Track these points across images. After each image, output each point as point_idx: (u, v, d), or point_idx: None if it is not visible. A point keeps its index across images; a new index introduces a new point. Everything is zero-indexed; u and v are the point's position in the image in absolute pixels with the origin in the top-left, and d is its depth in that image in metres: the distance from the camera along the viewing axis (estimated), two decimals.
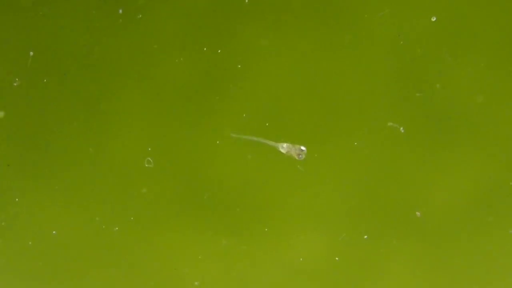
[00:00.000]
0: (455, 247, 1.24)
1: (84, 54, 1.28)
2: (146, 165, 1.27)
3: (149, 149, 1.27)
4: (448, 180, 1.24)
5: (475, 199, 1.24)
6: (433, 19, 1.23)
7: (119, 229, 1.27)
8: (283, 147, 1.19)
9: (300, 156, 1.18)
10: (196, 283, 1.28)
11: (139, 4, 1.28)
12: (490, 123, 1.24)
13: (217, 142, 1.27)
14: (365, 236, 1.25)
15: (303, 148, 1.18)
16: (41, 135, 1.28)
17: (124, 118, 1.28)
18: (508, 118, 1.24)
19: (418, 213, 1.24)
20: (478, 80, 1.24)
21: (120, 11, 1.27)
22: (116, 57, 1.28)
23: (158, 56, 1.28)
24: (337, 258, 1.26)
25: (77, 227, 1.28)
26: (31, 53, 1.28)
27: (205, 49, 1.26)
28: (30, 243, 1.28)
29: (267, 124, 1.26)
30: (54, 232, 1.28)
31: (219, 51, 1.26)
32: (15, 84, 1.28)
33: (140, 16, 1.28)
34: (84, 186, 1.28)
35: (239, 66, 1.26)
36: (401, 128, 1.23)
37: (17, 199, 1.28)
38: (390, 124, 1.23)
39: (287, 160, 1.25)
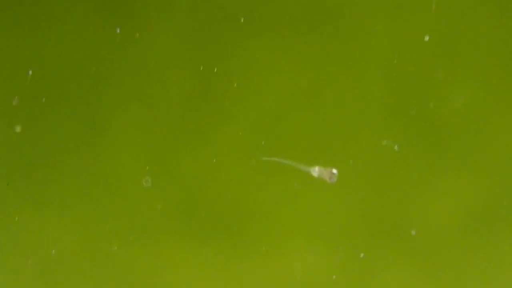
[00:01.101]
0: (451, 265, 1.26)
1: (82, 73, 1.31)
2: (144, 184, 1.30)
3: (147, 168, 1.30)
4: (443, 198, 1.26)
5: (470, 217, 1.26)
6: (426, 38, 1.24)
7: (117, 249, 1.30)
8: (315, 171, 1.20)
9: (332, 179, 1.19)
10: None
11: (137, 23, 1.30)
12: (485, 141, 1.25)
13: (214, 160, 1.29)
14: (362, 255, 1.27)
15: (334, 171, 1.19)
16: (40, 154, 1.32)
17: (122, 137, 1.31)
18: (503, 137, 1.25)
19: (413, 231, 1.26)
20: (472, 98, 1.26)
21: (118, 30, 1.30)
22: (114, 76, 1.31)
23: (155, 74, 1.31)
24: (334, 276, 1.28)
25: (76, 246, 1.30)
26: (30, 72, 1.31)
27: (201, 67, 1.29)
28: (29, 261, 1.31)
29: (263, 143, 1.28)
30: (53, 251, 1.31)
31: (215, 69, 1.29)
32: (14, 103, 1.31)
33: (138, 35, 1.30)
34: (83, 205, 1.30)
35: (235, 84, 1.29)
36: (396, 146, 1.25)
37: (16, 218, 1.32)
38: (384, 142, 1.25)
39: (283, 179, 1.27)
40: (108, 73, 1.31)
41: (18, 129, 1.31)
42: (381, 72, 1.26)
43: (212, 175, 1.30)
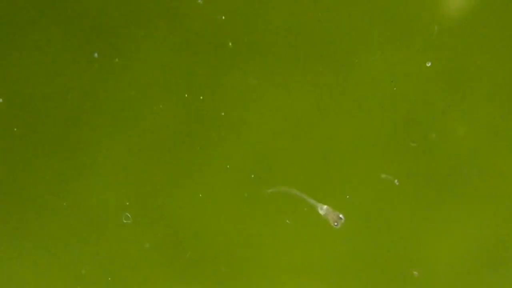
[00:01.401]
0: None
1: (57, 101, 1.29)
2: (124, 221, 1.27)
3: (127, 203, 1.28)
4: (446, 237, 1.25)
5: (474, 257, 1.25)
6: (428, 64, 1.24)
7: None
8: (322, 209, 1.20)
9: (336, 224, 1.19)
10: None
11: (116, 47, 1.29)
12: (489, 175, 1.24)
13: (200, 195, 1.27)
14: None
15: (341, 216, 1.19)
16: (12, 190, 1.29)
17: (100, 170, 1.29)
18: (508, 170, 1.24)
19: (415, 273, 1.24)
20: (476, 128, 1.24)
21: (96, 55, 1.28)
22: (91, 104, 1.29)
23: (136, 103, 1.28)
24: None
25: None
26: (0, 100, 1.28)
27: (186, 95, 1.27)
28: None
29: (252, 176, 1.27)
30: None
31: (201, 97, 1.27)
32: None
33: (117, 60, 1.28)
34: (58, 244, 1.28)
35: (223, 113, 1.27)
36: (396, 181, 1.23)
37: None
38: (383, 176, 1.23)
39: (274, 215, 1.25)
40: (85, 101, 1.29)
41: None
42: (380, 101, 1.26)
43: (198, 211, 1.28)
